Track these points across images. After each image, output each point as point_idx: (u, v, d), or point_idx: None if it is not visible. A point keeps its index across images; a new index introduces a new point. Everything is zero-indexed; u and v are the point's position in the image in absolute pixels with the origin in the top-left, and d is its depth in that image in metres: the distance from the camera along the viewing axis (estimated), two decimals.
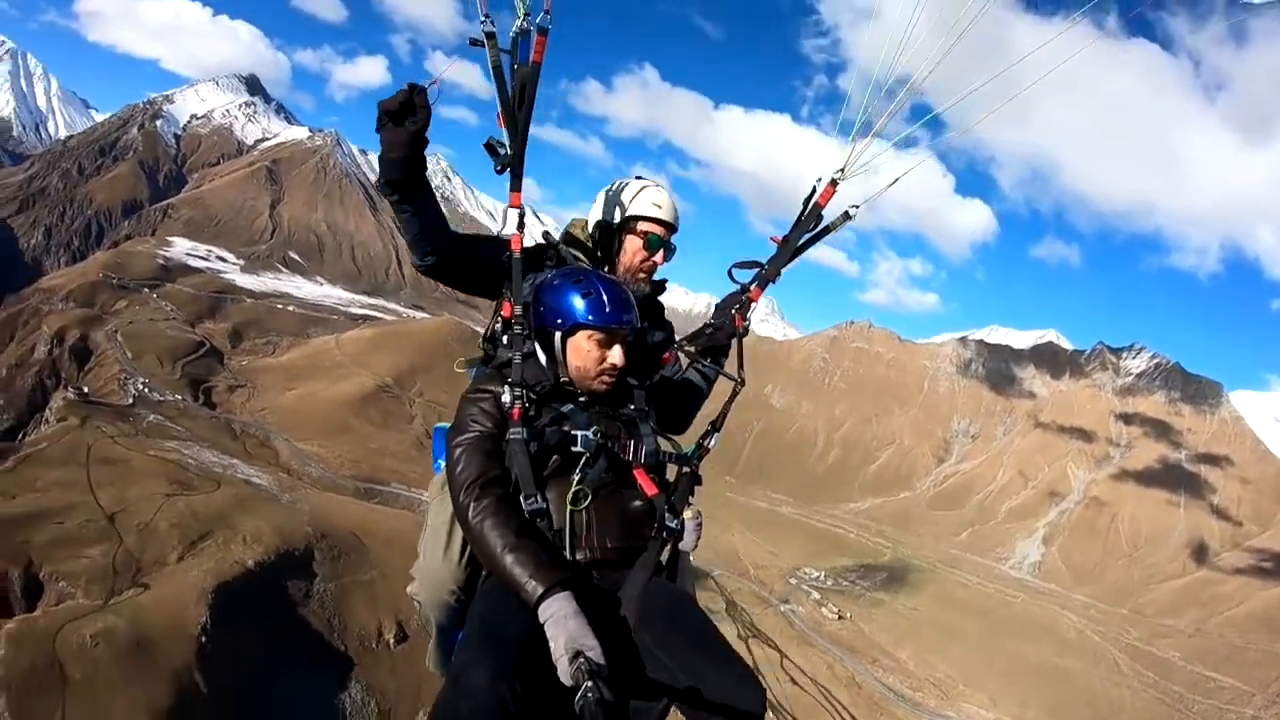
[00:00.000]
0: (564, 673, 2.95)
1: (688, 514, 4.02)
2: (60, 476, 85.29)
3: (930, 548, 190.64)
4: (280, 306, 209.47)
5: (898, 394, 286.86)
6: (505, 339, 4.20)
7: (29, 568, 70.78)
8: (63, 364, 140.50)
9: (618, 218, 4.60)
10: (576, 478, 3.79)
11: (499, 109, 3.97)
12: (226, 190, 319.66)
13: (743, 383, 4.66)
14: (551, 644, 3.06)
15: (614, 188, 4.66)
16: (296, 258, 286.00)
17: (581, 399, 4.02)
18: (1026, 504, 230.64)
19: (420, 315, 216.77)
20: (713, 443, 4.44)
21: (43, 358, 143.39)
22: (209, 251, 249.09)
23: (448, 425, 4.07)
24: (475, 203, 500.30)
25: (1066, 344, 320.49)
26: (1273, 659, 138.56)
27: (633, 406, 4.17)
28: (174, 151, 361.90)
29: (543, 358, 4.08)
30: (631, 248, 4.59)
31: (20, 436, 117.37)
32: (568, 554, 3.72)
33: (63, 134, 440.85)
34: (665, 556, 4.02)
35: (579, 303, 3.90)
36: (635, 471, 3.97)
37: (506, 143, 4.03)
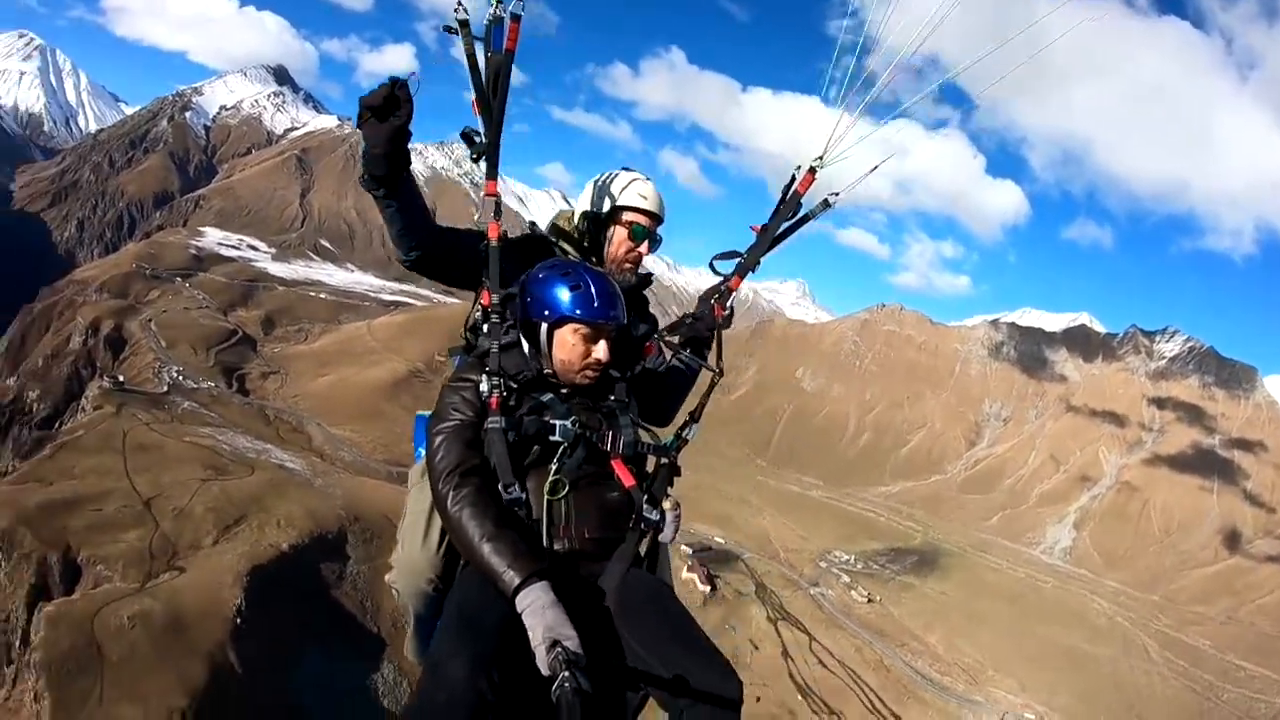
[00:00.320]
0: (541, 662, 2.96)
1: (666, 505, 3.94)
2: (97, 463, 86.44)
3: (960, 532, 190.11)
4: (312, 294, 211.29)
5: (929, 377, 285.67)
6: (485, 328, 4.19)
7: (67, 552, 71.99)
8: (98, 353, 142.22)
9: (605, 209, 4.60)
10: (554, 467, 3.77)
11: (473, 97, 3.97)
12: (257, 180, 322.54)
13: (721, 373, 4.56)
14: (530, 633, 3.08)
15: (601, 179, 4.68)
16: (327, 245, 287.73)
17: (562, 390, 4.01)
18: (1058, 488, 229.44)
19: (451, 300, 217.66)
20: (691, 434, 4.25)
21: (78, 348, 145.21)
22: (240, 240, 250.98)
23: (428, 413, 4.06)
24: (504, 187, 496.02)
25: (1099, 327, 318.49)
26: None
27: (613, 398, 4.14)
28: (204, 142, 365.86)
29: (527, 348, 4.06)
30: (618, 238, 4.57)
31: (57, 425, 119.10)
32: (546, 544, 3.72)
33: (93, 128, 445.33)
34: (645, 548, 4.01)
35: (566, 296, 3.87)
36: (613, 462, 3.93)
37: (482, 131, 4.06)
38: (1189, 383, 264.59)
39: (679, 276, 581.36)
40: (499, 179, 4.30)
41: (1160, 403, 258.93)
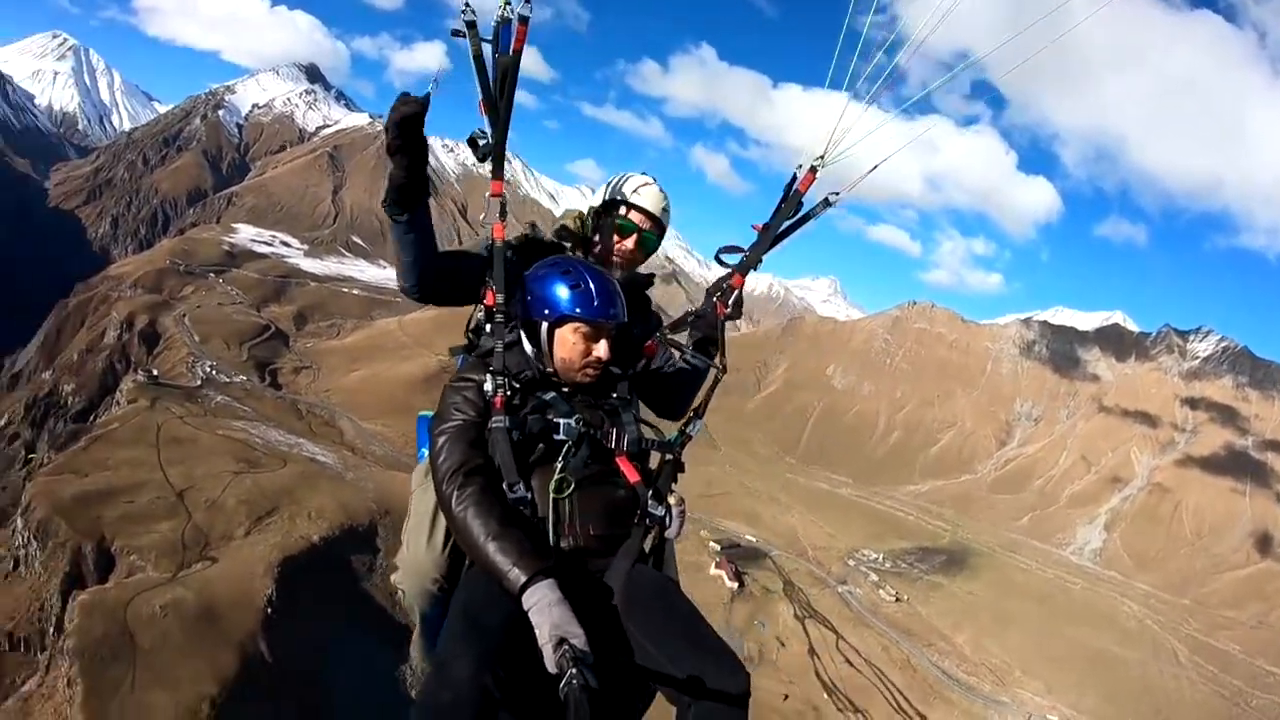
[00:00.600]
0: (549, 660, 2.96)
1: (671, 501, 3.98)
2: (131, 456, 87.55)
3: (990, 532, 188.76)
4: (344, 290, 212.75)
5: (960, 376, 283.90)
6: (488, 327, 4.17)
7: (101, 542, 73.16)
8: (132, 348, 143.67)
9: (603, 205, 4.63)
10: (559, 466, 3.75)
11: (480, 98, 3.97)
12: (289, 177, 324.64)
13: (724, 370, 4.60)
14: (536, 631, 3.08)
15: (613, 180, 4.67)
16: (359, 242, 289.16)
17: (564, 389, 4.01)
18: (1088, 489, 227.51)
19: None
20: (695, 430, 4.29)
21: (113, 342, 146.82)
22: (273, 237, 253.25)
23: (431, 414, 4.08)
24: (535, 184, 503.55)
25: (1132, 326, 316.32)
26: None
27: (615, 395, 4.13)
28: (236, 140, 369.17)
29: (528, 346, 4.05)
30: (612, 233, 4.56)
31: (92, 418, 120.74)
32: (551, 542, 3.72)
33: (127, 126, 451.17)
34: (651, 544, 4.01)
35: (566, 294, 3.89)
36: (618, 459, 3.93)
37: (488, 132, 4.05)
38: (1222, 383, 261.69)
39: (709, 273, 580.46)
40: (504, 178, 4.26)
41: (1193, 403, 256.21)
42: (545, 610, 3.10)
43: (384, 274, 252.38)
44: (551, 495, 3.71)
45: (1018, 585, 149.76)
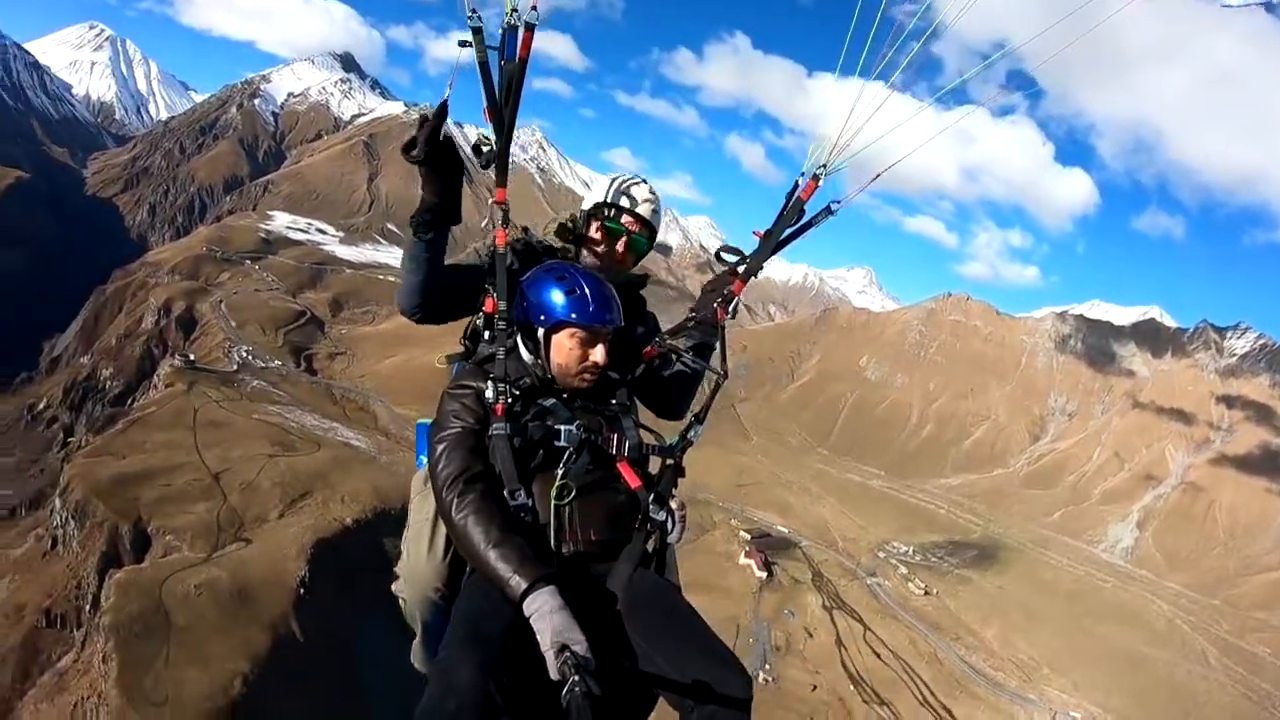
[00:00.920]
0: (551, 666, 2.96)
1: (673, 505, 3.97)
2: (168, 438, 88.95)
3: (1021, 527, 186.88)
4: (379, 277, 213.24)
5: (994, 369, 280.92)
6: (488, 335, 4.23)
7: (138, 522, 74.40)
8: (169, 333, 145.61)
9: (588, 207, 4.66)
10: (560, 472, 3.76)
11: (485, 105, 3.96)
12: (325, 165, 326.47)
13: (725, 375, 4.53)
14: (539, 638, 3.09)
15: (603, 181, 4.73)
16: (394, 229, 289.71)
17: (564, 395, 4.01)
18: (1121, 486, 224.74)
19: None
20: (695, 435, 4.22)
21: (150, 328, 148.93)
22: (309, 224, 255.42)
23: (429, 421, 4.08)
24: (570, 172, 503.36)
25: (1169, 321, 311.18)
26: None
27: (615, 401, 4.15)
28: (272, 129, 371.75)
29: (525, 353, 4.09)
30: (594, 235, 4.59)
31: (130, 401, 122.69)
32: (553, 548, 3.71)
33: (164, 115, 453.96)
34: (653, 549, 3.98)
35: (561, 300, 3.89)
36: (619, 465, 3.94)
37: (492, 138, 4.02)
38: (1259, 381, 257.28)
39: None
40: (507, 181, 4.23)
41: (1229, 401, 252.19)
42: (547, 617, 3.12)
43: None
44: (553, 501, 3.73)
45: (1047, 581, 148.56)
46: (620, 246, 4.54)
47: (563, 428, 3.81)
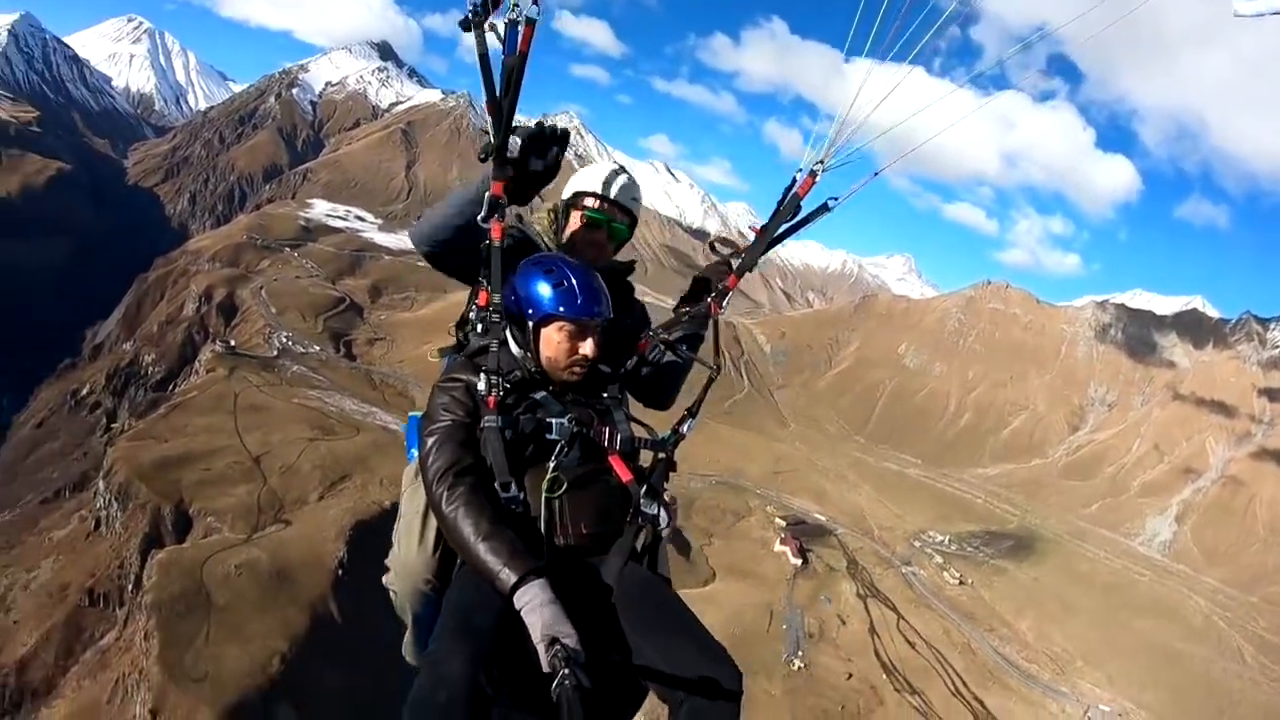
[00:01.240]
0: (542, 659, 3.00)
1: (664, 498, 3.99)
2: (209, 423, 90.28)
3: (1058, 518, 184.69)
4: (417, 263, 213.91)
5: (1033, 358, 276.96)
6: (480, 327, 4.21)
7: (179, 504, 75.71)
8: (210, 319, 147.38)
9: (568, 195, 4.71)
10: (552, 465, 3.75)
11: (485, 98, 3.95)
12: (363, 153, 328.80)
13: (718, 369, 4.53)
14: (529, 631, 3.12)
15: (584, 170, 4.75)
16: None
17: (552, 388, 4.02)
18: (1160, 479, 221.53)
19: None
20: (688, 429, 4.23)
21: (191, 314, 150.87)
22: (348, 212, 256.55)
23: (420, 414, 4.07)
24: (608, 159, 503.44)
25: (1212, 312, 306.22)
26: None
27: (606, 394, 4.17)
28: (311, 118, 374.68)
29: (514, 346, 4.08)
30: (573, 224, 4.62)
31: (172, 386, 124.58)
32: (545, 541, 3.72)
33: (202, 106, 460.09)
34: (644, 542, 4.00)
35: (549, 293, 3.90)
36: (610, 458, 3.93)
37: (491, 132, 3.99)
38: None
39: (784, 252, 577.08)
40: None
41: (1272, 394, 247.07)
42: (537, 610, 3.15)
43: None
44: (544, 494, 3.73)
45: (1084, 574, 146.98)
46: (601, 235, 4.59)
47: (554, 420, 3.84)
